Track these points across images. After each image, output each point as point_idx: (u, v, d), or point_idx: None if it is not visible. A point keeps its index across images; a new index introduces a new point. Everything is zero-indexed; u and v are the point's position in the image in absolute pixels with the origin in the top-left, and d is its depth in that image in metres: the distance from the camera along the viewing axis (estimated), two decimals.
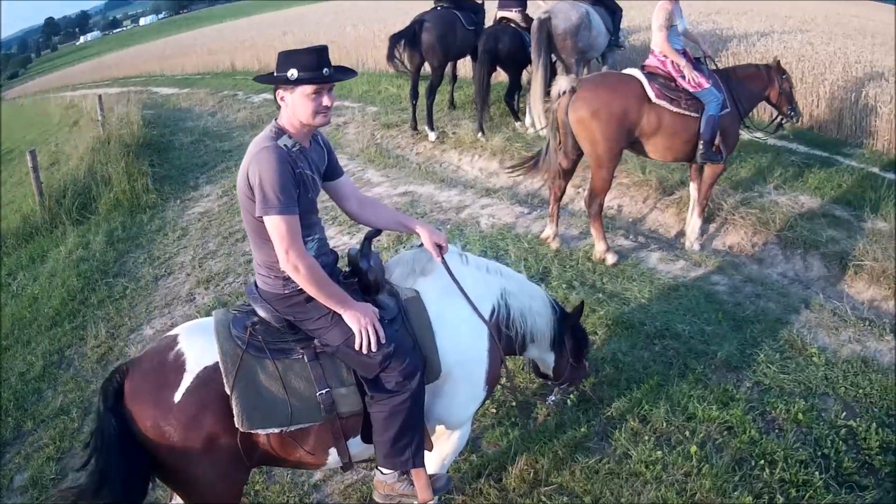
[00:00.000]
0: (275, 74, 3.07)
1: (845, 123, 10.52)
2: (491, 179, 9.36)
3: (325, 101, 3.06)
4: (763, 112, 9.19)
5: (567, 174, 6.87)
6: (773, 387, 4.83)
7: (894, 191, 8.05)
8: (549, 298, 3.98)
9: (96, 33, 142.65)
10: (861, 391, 4.77)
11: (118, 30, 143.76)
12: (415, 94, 10.75)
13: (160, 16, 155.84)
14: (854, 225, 7.32)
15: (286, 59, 3.04)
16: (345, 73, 3.25)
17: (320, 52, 3.07)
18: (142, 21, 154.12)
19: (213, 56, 27.19)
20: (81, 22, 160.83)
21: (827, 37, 15.08)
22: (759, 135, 7.68)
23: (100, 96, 15.02)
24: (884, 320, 5.79)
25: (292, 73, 3.00)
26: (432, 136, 10.68)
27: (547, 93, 9.18)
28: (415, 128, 11.05)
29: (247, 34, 29.38)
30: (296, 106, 3.06)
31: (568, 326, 4.02)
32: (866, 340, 5.46)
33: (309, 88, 3.02)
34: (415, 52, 10.32)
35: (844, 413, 4.55)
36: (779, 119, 7.26)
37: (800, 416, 4.50)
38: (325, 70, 3.04)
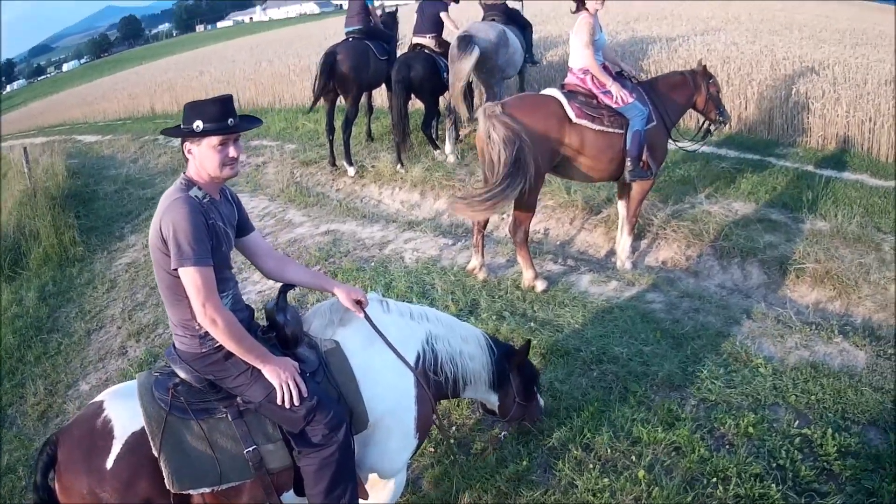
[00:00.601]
0: (181, 126, 3.15)
1: (776, 123, 10.77)
2: (413, 212, 9.40)
3: (232, 151, 3.17)
4: (689, 120, 9.38)
5: None
6: (719, 402, 4.82)
7: (832, 188, 8.26)
8: (486, 339, 4.03)
9: (22, 81, 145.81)
10: (813, 397, 4.79)
11: (42, 77, 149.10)
12: (331, 129, 10.82)
13: (82, 60, 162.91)
14: (792, 227, 7.47)
15: (191, 110, 3.14)
16: (250, 122, 3.33)
17: (225, 103, 3.18)
18: (65, 67, 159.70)
19: (134, 100, 28.03)
20: (7, 71, 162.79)
21: (752, 35, 15.53)
22: (686, 145, 7.72)
23: (25, 148, 15.16)
24: (831, 322, 5.85)
25: (198, 124, 3.10)
26: (351, 171, 10.73)
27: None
28: (333, 164, 11.10)
29: (165, 76, 30.25)
30: (203, 158, 3.14)
31: (514, 365, 4.10)
32: (814, 345, 5.51)
33: (215, 140, 3.12)
34: (328, 85, 10.38)
35: (797, 421, 4.56)
36: (707, 125, 7.35)
37: (750, 429, 4.49)
38: (230, 120, 3.14)
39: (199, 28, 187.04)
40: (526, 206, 6.45)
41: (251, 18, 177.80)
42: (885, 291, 6.39)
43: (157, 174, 14.23)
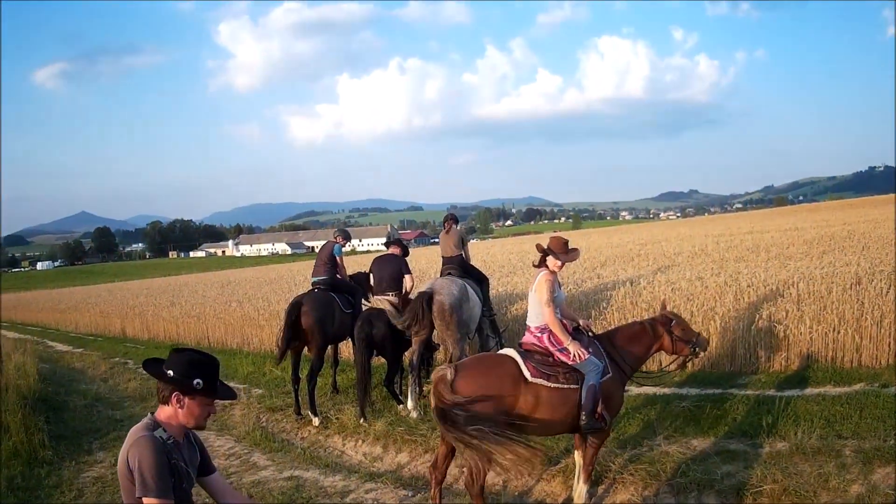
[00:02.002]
0: (171, 374, 3.70)
1: (738, 354, 11.32)
2: (375, 464, 9.75)
3: (214, 408, 3.85)
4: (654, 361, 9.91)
5: (447, 457, 7.17)
6: None
7: (793, 407, 8.78)
8: None
9: None
10: None
11: (17, 269, 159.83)
12: (296, 379, 11.56)
13: (56, 263, 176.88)
14: (750, 454, 7.87)
15: (191, 367, 3.73)
16: (228, 391, 3.94)
17: (217, 367, 3.83)
18: (39, 265, 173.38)
19: (105, 318, 29.79)
20: None
21: (717, 266, 16.45)
22: (655, 381, 8.18)
23: None
24: None
25: (198, 382, 3.69)
26: (316, 421, 11.24)
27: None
28: (299, 412, 11.63)
29: (136, 299, 32.27)
30: (192, 409, 3.73)
31: None
32: None
33: (207, 398, 3.76)
34: (294, 335, 11.13)
35: None
36: (682, 360, 7.73)
37: None
38: (218, 383, 3.81)
39: (172, 254, 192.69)
40: (481, 460, 6.63)
41: (223, 252, 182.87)
42: (845, 494, 6.71)
43: (127, 398, 15.02)
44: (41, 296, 53.99)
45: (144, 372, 4.01)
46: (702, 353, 7.79)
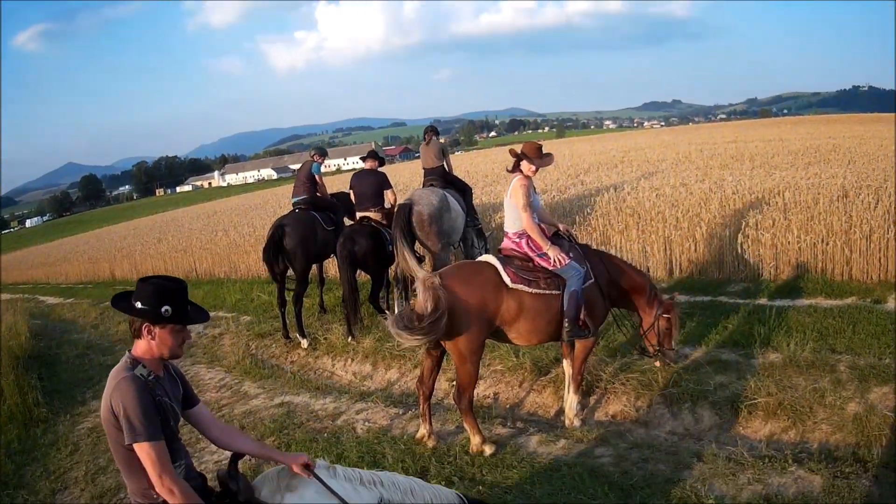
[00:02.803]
0: (139, 305, 3.52)
1: (727, 261, 11.27)
2: (365, 382, 9.83)
3: (188, 334, 3.65)
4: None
5: (433, 372, 7.14)
6: None
7: (785, 317, 8.72)
8: (462, 501, 4.13)
9: None
10: None
11: (7, 230, 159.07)
12: (282, 302, 11.51)
13: (45, 217, 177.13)
14: (743, 364, 7.84)
15: (157, 294, 3.53)
16: (201, 313, 3.75)
17: (185, 291, 3.63)
18: (28, 223, 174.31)
19: (94, 264, 30.06)
20: None
21: (702, 173, 16.36)
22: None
23: None
24: (785, 452, 6.10)
25: (166, 309, 3.50)
26: (304, 343, 11.32)
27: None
28: (287, 336, 11.68)
29: (124, 241, 32.81)
30: (163, 340, 3.55)
31: None
32: (767, 478, 5.74)
33: (178, 325, 3.56)
34: (278, 258, 11.05)
35: None
36: (643, 347, 7.66)
37: None
38: (188, 307, 3.60)
39: (159, 192, 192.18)
40: (468, 373, 6.72)
41: (210, 183, 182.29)
42: (842, 411, 6.66)
43: (118, 342, 15.13)
44: (31, 252, 54.03)
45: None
46: (664, 363, 7.56)
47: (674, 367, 7.73)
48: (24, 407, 10.87)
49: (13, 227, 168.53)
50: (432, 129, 12.48)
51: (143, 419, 3.34)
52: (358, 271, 11.02)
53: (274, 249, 11.04)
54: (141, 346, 3.57)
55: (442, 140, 12.38)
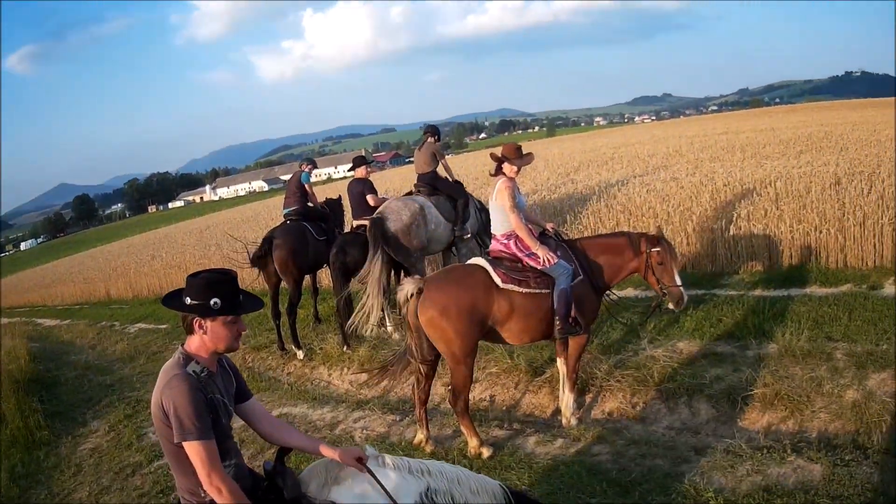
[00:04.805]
0: (188, 301, 3.46)
1: (719, 254, 11.22)
2: (362, 391, 9.80)
3: (242, 326, 3.58)
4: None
5: (428, 377, 7.18)
6: None
7: (779, 307, 8.70)
8: (505, 492, 4.01)
9: None
10: None
11: (2, 254, 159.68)
12: (276, 314, 11.47)
13: (39, 240, 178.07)
14: (738, 356, 7.83)
15: (206, 287, 3.47)
16: (254, 301, 3.73)
17: (235, 282, 3.58)
18: (23, 246, 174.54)
19: (90, 285, 29.96)
20: None
21: (692, 166, 16.33)
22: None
23: None
24: (783, 442, 6.10)
25: (215, 302, 3.43)
26: (300, 354, 11.28)
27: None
28: (283, 348, 11.66)
29: (118, 260, 32.65)
30: (216, 333, 3.49)
31: None
32: (766, 469, 5.73)
33: (230, 316, 3.49)
34: (269, 270, 11.01)
35: None
36: (656, 302, 7.61)
37: None
38: (240, 297, 3.54)
39: (151, 208, 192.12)
40: (463, 376, 6.76)
41: (201, 198, 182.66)
42: (840, 399, 6.64)
43: (115, 361, 15.15)
44: (27, 276, 54.09)
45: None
46: (672, 307, 7.42)
47: (673, 362, 7.76)
48: (26, 430, 10.89)
49: (8, 251, 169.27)
50: (428, 130, 11.66)
51: (193, 418, 3.31)
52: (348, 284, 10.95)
53: (264, 260, 11.05)
54: (194, 342, 3.53)
55: (436, 143, 11.60)
